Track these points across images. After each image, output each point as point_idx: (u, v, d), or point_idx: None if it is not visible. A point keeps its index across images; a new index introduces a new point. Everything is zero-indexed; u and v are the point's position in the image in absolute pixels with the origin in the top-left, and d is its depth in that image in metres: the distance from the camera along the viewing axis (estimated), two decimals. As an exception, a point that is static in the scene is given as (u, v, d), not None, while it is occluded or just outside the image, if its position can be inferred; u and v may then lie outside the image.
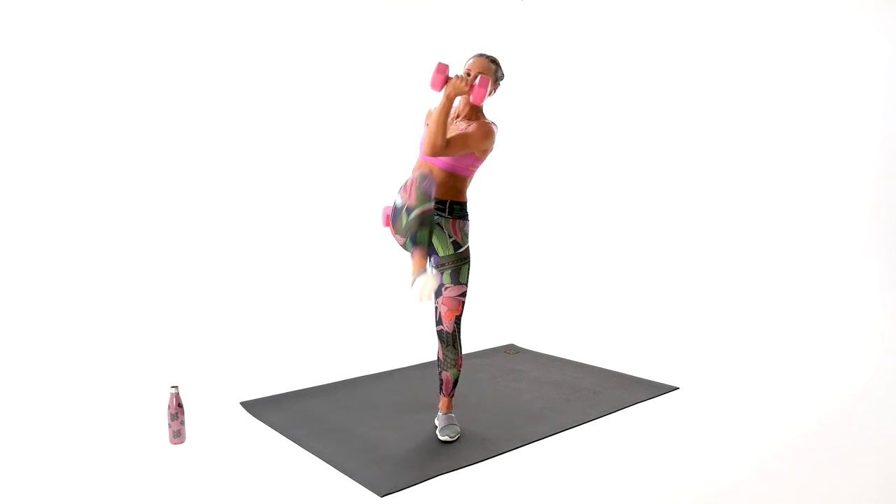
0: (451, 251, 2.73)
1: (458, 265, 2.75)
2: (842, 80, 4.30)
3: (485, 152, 2.75)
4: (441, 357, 2.84)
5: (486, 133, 2.69)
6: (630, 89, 5.30)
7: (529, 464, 2.56)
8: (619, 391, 3.39)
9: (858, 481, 2.36)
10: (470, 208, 2.91)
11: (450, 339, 2.80)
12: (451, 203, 2.77)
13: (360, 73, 5.35)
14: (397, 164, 5.64)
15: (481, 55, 2.79)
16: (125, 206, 4.37)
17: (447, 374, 2.84)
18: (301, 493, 2.33)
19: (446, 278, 2.75)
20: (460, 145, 2.65)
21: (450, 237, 2.74)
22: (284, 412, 3.13)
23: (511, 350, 4.24)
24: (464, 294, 2.78)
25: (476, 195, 5.91)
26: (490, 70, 2.74)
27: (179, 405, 2.74)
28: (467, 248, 2.77)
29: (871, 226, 4.25)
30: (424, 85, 5.70)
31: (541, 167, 5.98)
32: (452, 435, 2.80)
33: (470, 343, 4.40)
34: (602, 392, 3.39)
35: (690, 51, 4.93)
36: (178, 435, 2.76)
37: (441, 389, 2.88)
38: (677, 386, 3.47)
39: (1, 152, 3.95)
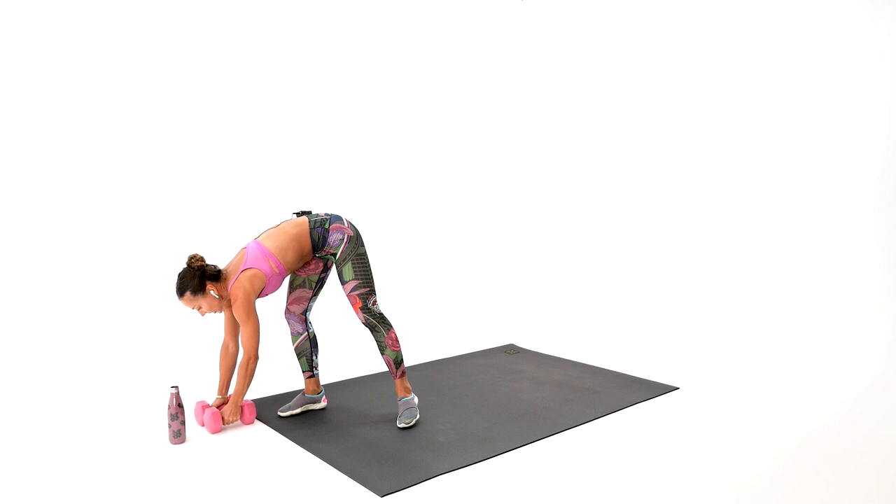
0: (335, 259, 2.98)
1: (340, 268, 2.97)
2: (844, 80, 4.30)
3: (245, 292, 2.83)
4: (376, 344, 3.07)
5: (238, 303, 2.82)
6: (630, 89, 5.30)
7: (529, 464, 2.57)
8: (619, 391, 3.39)
9: (859, 482, 2.36)
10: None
11: (370, 326, 3.00)
12: (314, 253, 2.98)
13: (359, 74, 5.35)
14: (396, 164, 5.65)
15: (179, 297, 2.86)
16: (125, 207, 4.37)
17: (386, 357, 3.02)
18: (301, 493, 2.33)
19: (340, 280, 2.99)
20: (245, 331, 2.84)
21: (330, 255, 2.99)
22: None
23: (511, 350, 4.24)
24: (356, 287, 2.95)
25: (476, 195, 5.92)
26: (189, 300, 2.84)
27: (179, 405, 2.74)
28: (343, 249, 2.95)
29: (872, 225, 4.25)
30: (425, 86, 5.72)
31: (541, 168, 5.98)
32: (409, 420, 2.95)
33: (470, 343, 4.40)
34: (602, 392, 3.39)
35: (691, 51, 4.93)
36: (178, 435, 2.76)
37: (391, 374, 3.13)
38: (677, 386, 3.47)
39: (1, 153, 3.95)
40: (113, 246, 4.32)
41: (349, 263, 2.93)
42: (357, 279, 2.93)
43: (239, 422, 3.01)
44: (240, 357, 4.08)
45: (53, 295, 4.10)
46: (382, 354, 3.02)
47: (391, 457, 2.63)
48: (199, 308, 2.86)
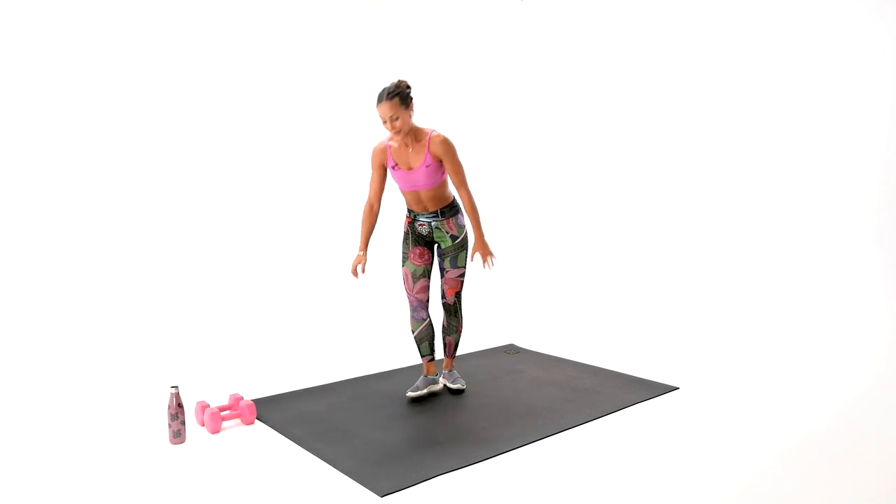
0: (451, 243, 3.22)
1: (456, 252, 3.23)
2: (844, 80, 4.30)
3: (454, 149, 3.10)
4: (445, 325, 3.36)
5: (453, 152, 3.04)
6: (630, 90, 5.30)
7: (529, 464, 2.57)
8: (619, 391, 3.39)
9: (859, 482, 2.36)
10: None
11: (451, 309, 3.33)
12: (442, 209, 3.18)
13: (360, 74, 5.35)
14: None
15: (386, 98, 2.87)
16: (126, 207, 4.37)
17: (450, 339, 3.38)
18: (301, 493, 2.33)
19: (448, 263, 3.23)
20: (460, 177, 3.09)
21: (447, 233, 3.22)
22: (284, 412, 3.13)
23: (511, 350, 4.24)
24: (462, 275, 3.27)
25: (475, 195, 5.92)
26: (396, 106, 2.88)
27: (179, 405, 2.74)
28: (464, 236, 3.23)
29: (872, 225, 4.25)
30: (425, 85, 5.71)
31: (541, 168, 5.98)
32: (463, 385, 3.37)
33: (470, 343, 4.40)
34: (602, 392, 3.39)
35: (691, 51, 4.93)
36: (178, 435, 2.76)
37: (445, 352, 3.43)
38: (677, 386, 3.47)
39: (2, 153, 3.95)
40: (113, 246, 4.31)
41: (464, 252, 3.23)
42: (465, 267, 3.25)
43: (239, 421, 3.01)
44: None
45: (54, 295, 4.10)
46: (448, 336, 3.36)
47: (391, 457, 2.63)
48: (396, 120, 2.87)
